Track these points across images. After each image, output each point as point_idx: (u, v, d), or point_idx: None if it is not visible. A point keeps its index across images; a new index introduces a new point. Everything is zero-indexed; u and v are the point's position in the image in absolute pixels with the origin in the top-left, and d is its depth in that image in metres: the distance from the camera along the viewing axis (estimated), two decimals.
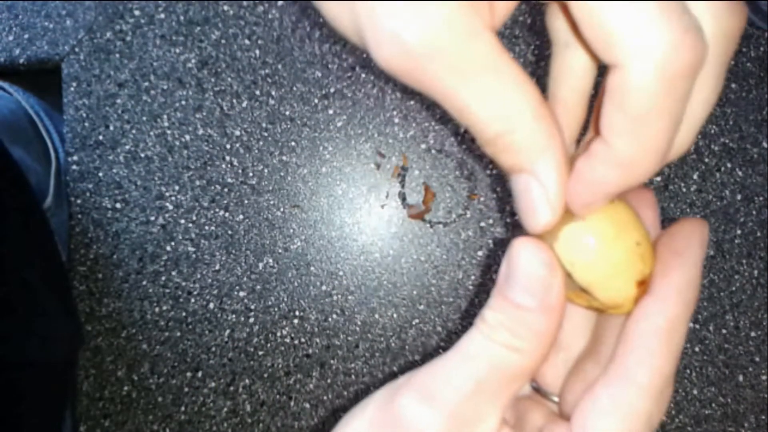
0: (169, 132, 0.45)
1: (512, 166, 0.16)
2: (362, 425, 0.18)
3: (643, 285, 0.17)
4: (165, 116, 0.45)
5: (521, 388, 0.17)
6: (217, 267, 0.44)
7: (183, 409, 0.44)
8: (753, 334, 0.44)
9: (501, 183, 0.45)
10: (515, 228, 0.44)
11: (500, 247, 0.44)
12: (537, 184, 0.16)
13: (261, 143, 0.45)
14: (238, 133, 0.45)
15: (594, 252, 0.17)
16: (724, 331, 0.44)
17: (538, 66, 0.45)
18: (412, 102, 0.45)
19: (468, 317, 0.44)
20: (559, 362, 0.21)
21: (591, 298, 0.18)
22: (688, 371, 0.44)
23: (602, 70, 0.18)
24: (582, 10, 0.14)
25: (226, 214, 0.44)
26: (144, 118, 0.45)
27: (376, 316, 0.44)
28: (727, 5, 0.15)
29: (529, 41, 0.45)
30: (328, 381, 0.44)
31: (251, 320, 0.44)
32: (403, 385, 0.18)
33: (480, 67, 0.14)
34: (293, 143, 0.45)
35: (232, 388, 0.44)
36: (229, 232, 0.44)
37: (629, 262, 0.17)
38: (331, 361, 0.44)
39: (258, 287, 0.44)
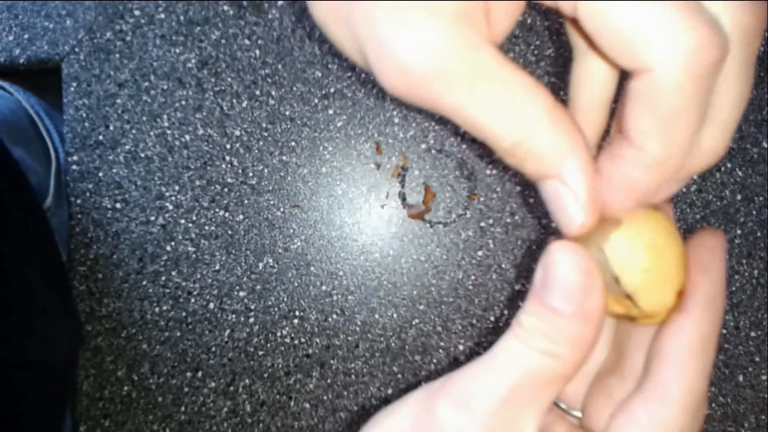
0: (169, 132, 0.45)
1: (537, 173, 0.16)
2: (402, 426, 0.18)
3: (681, 296, 0.17)
4: (165, 116, 0.45)
5: (558, 395, 0.17)
6: (217, 267, 0.44)
7: (183, 409, 0.44)
8: (753, 334, 0.44)
9: (501, 183, 0.45)
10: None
11: (500, 247, 0.44)
12: (565, 188, 0.16)
13: (261, 143, 0.45)
14: (238, 133, 0.45)
15: (646, 259, 0.17)
16: (724, 331, 0.44)
17: (538, 66, 0.45)
18: None
19: (468, 317, 0.44)
20: (579, 375, 0.20)
21: (631, 305, 0.17)
22: None
23: (624, 75, 0.17)
24: (595, 21, 0.14)
25: (226, 214, 0.44)
26: (144, 118, 0.45)
27: (376, 316, 0.44)
28: (746, 3, 0.15)
29: (529, 41, 0.45)
30: (328, 381, 0.44)
31: (251, 320, 0.44)
32: (439, 390, 0.17)
33: (484, 80, 0.15)
34: (293, 143, 0.45)
35: (232, 388, 0.44)
36: (229, 232, 0.44)
37: (674, 272, 0.17)
38: (331, 361, 0.44)
39: (258, 287, 0.44)
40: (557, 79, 0.45)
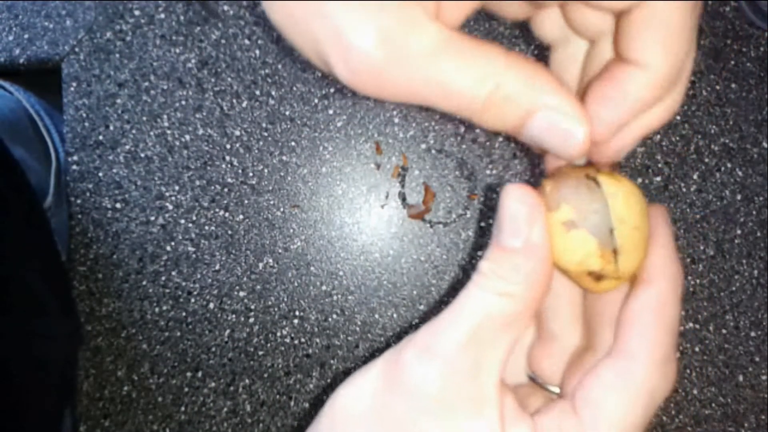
0: (169, 132, 0.45)
1: (520, 115, 0.16)
2: (367, 383, 0.19)
3: (641, 268, 0.19)
4: (165, 116, 0.45)
5: (518, 338, 0.18)
6: (217, 267, 0.44)
7: (183, 409, 0.44)
8: (753, 334, 0.44)
9: (501, 183, 0.45)
10: None
11: None
12: (554, 112, 0.16)
13: (261, 143, 0.45)
14: (238, 133, 0.45)
15: (639, 218, 0.18)
16: (724, 331, 0.44)
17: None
18: None
19: None
20: (554, 352, 0.22)
21: (611, 261, 0.18)
22: (688, 371, 0.44)
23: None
24: None
25: (226, 214, 0.44)
26: (144, 118, 0.45)
27: (376, 316, 0.44)
28: None
29: (529, 41, 0.45)
30: (328, 381, 0.44)
31: (251, 320, 0.44)
32: (405, 343, 0.18)
33: (441, 47, 0.15)
34: (293, 143, 0.45)
35: (232, 388, 0.44)
36: (229, 232, 0.44)
37: (647, 241, 0.18)
38: (331, 361, 0.44)
39: (258, 287, 0.44)
40: None
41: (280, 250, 0.44)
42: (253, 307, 0.44)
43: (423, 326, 0.18)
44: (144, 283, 0.44)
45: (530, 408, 0.20)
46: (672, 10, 0.16)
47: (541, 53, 0.45)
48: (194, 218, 0.44)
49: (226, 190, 0.44)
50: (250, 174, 0.45)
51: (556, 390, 0.22)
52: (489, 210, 0.44)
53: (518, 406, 0.19)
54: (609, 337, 0.20)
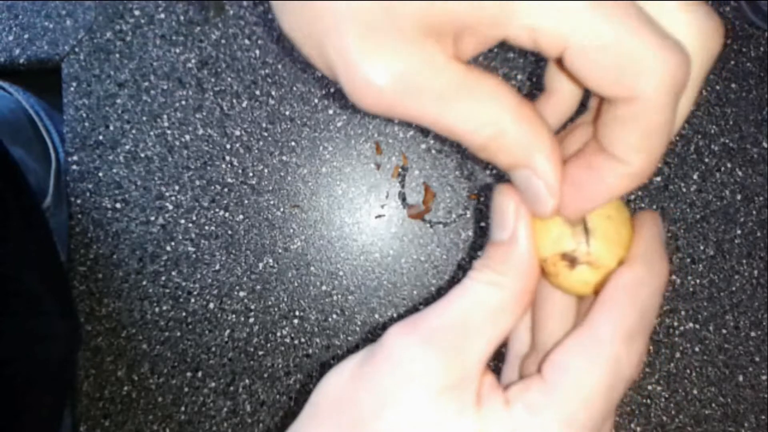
0: (169, 132, 0.45)
1: (509, 164, 0.18)
2: (349, 366, 0.20)
3: (620, 264, 0.19)
4: (165, 116, 0.45)
5: (507, 328, 0.19)
6: (217, 267, 0.44)
7: (183, 409, 0.44)
8: (753, 334, 0.44)
9: (501, 183, 0.45)
10: None
11: None
12: (535, 177, 0.17)
13: (261, 143, 0.45)
14: (238, 133, 0.45)
15: (611, 209, 0.20)
16: (724, 331, 0.44)
17: (538, 66, 0.45)
18: None
19: None
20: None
21: (583, 243, 0.19)
22: (688, 371, 0.44)
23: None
24: (585, 62, 0.16)
25: (226, 214, 0.44)
26: (144, 118, 0.45)
27: (376, 316, 0.44)
28: (710, 27, 0.17)
29: (525, 51, 0.45)
30: None
31: (251, 320, 0.44)
32: (391, 327, 0.19)
33: (452, 92, 0.16)
34: (293, 143, 0.45)
35: (232, 388, 0.44)
36: (229, 232, 0.44)
37: (622, 242, 0.20)
38: (331, 361, 0.44)
39: (258, 287, 0.44)
40: None
41: (280, 250, 0.44)
42: (253, 307, 0.44)
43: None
44: (144, 283, 0.44)
45: None
46: (653, 110, 0.16)
47: (540, 54, 0.45)
48: (194, 218, 0.44)
49: (226, 190, 0.44)
50: (250, 174, 0.45)
51: None
52: (489, 210, 0.44)
53: (495, 383, 0.19)
54: None
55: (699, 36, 0.17)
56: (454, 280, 0.44)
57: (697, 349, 0.44)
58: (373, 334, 0.44)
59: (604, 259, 0.19)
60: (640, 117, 0.16)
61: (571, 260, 0.19)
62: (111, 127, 0.45)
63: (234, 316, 0.44)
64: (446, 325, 0.18)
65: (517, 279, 0.18)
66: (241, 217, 0.44)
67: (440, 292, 0.44)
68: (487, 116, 0.16)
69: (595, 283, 0.19)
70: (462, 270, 0.44)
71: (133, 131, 0.45)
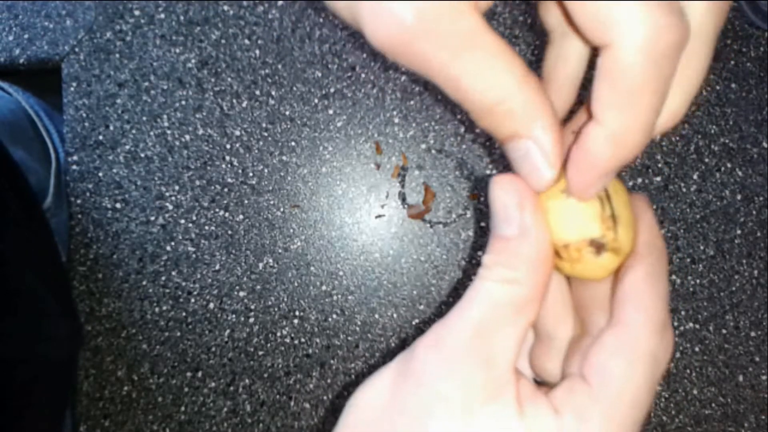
0: (169, 132, 0.45)
1: (510, 133, 0.17)
2: (381, 383, 0.19)
3: (633, 247, 0.20)
4: (165, 116, 0.45)
5: (530, 323, 0.18)
6: (217, 267, 0.44)
7: (183, 409, 0.44)
8: (753, 334, 0.44)
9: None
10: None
11: None
12: (535, 147, 0.17)
13: (261, 143, 0.45)
14: (238, 133, 0.45)
15: (627, 198, 0.19)
16: (724, 331, 0.44)
17: (538, 66, 0.45)
18: (412, 102, 0.45)
19: None
20: (552, 352, 0.22)
21: (611, 228, 0.19)
22: (688, 371, 0.44)
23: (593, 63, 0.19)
24: (576, 3, 0.16)
25: (226, 214, 0.44)
26: (144, 118, 0.45)
27: (376, 316, 0.44)
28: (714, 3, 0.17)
29: (529, 41, 0.45)
30: (328, 381, 0.44)
31: (251, 320, 0.44)
32: (417, 342, 0.19)
33: (469, 44, 0.16)
34: (293, 143, 0.45)
35: (232, 388, 0.44)
36: (229, 232, 0.44)
37: (634, 223, 0.20)
38: (331, 361, 0.44)
39: (258, 287, 0.44)
40: None
41: (280, 250, 0.44)
42: (253, 307, 0.44)
43: (434, 324, 0.19)
44: (144, 283, 0.44)
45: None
46: (630, 66, 0.15)
47: (541, 54, 0.45)
48: (194, 218, 0.44)
49: (226, 190, 0.44)
50: (250, 174, 0.45)
51: None
52: (489, 210, 0.44)
53: (534, 387, 0.19)
54: (601, 321, 0.21)
55: (703, 8, 0.17)
56: (454, 281, 0.44)
57: (697, 349, 0.44)
58: (373, 334, 0.44)
59: (626, 246, 0.19)
60: (614, 69, 0.15)
61: (598, 246, 0.19)
62: (111, 127, 0.45)
63: (234, 316, 0.44)
64: (469, 336, 0.18)
65: (532, 272, 0.18)
66: (241, 217, 0.44)
67: (440, 292, 0.44)
68: (495, 78, 0.16)
69: (613, 269, 0.19)
70: (462, 270, 0.44)
71: (133, 131, 0.45)
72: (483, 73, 0.16)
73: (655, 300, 0.18)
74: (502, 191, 0.18)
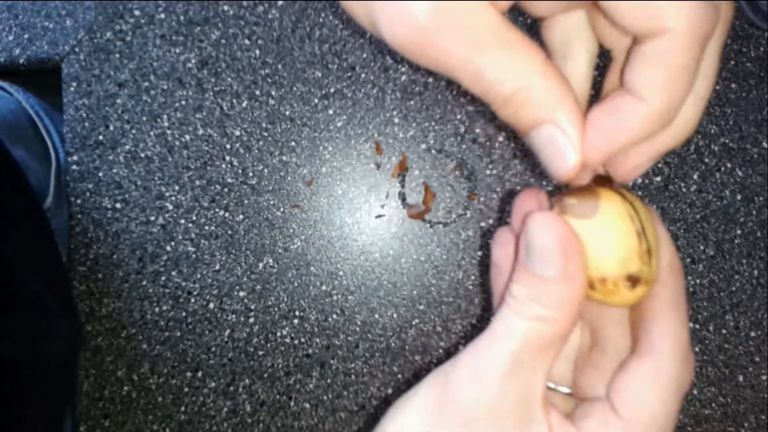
0: (169, 132, 0.45)
1: (533, 120, 0.17)
2: (417, 408, 0.19)
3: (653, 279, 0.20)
4: (165, 116, 0.45)
5: (559, 354, 0.19)
6: (217, 267, 0.44)
7: (183, 409, 0.44)
8: (753, 334, 0.44)
9: (501, 183, 0.45)
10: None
11: None
12: (559, 132, 0.17)
13: (261, 143, 0.45)
14: (238, 133, 0.45)
15: (653, 225, 0.20)
16: (724, 331, 0.44)
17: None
18: (412, 102, 0.45)
19: (468, 317, 0.44)
20: (561, 357, 0.23)
21: (647, 263, 0.19)
22: None
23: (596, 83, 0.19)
24: (619, 3, 0.16)
25: (226, 214, 0.44)
26: (144, 118, 0.45)
27: (376, 316, 0.44)
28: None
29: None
30: (328, 381, 0.44)
31: (251, 320, 0.44)
32: (452, 369, 0.19)
33: (488, 37, 0.16)
34: (293, 143, 0.45)
35: (232, 388, 0.44)
36: (229, 232, 0.44)
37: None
38: (331, 361, 0.44)
39: (258, 287, 0.44)
40: None
41: (280, 250, 0.44)
42: (253, 307, 0.44)
43: (464, 351, 0.19)
44: (144, 283, 0.44)
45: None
46: (678, 49, 0.16)
47: None
48: (194, 218, 0.44)
49: (226, 190, 0.44)
50: (250, 174, 0.45)
51: (566, 390, 0.23)
52: (489, 210, 0.44)
53: (563, 418, 0.19)
54: (615, 334, 0.21)
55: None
56: (454, 281, 0.44)
57: (697, 349, 0.44)
58: (373, 334, 0.44)
59: (656, 275, 0.19)
60: (666, 53, 0.16)
61: (635, 281, 0.19)
62: (111, 127, 0.45)
63: (234, 316, 0.44)
64: (504, 373, 0.18)
65: (566, 313, 0.18)
66: (241, 217, 0.44)
67: (440, 293, 0.44)
68: (516, 68, 0.16)
69: (643, 297, 0.19)
70: (462, 270, 0.44)
71: (133, 131, 0.45)
72: (504, 63, 0.16)
73: (679, 326, 0.19)
74: (543, 232, 0.18)
